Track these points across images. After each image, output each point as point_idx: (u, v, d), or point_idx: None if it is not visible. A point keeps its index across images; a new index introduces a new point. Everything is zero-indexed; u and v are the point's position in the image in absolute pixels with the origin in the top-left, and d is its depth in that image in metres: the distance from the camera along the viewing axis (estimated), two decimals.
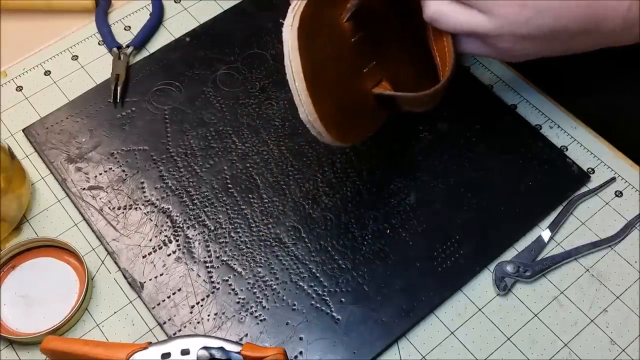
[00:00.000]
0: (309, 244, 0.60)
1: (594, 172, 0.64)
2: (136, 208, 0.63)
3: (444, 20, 0.55)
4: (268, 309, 0.57)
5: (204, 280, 0.59)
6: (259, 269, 0.59)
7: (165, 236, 0.61)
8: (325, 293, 0.58)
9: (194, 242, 0.61)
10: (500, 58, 0.60)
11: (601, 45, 0.56)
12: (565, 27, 0.53)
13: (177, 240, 0.61)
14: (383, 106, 0.58)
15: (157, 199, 0.63)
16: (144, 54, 0.73)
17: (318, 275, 0.59)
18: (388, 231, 0.61)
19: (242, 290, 0.58)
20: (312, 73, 0.51)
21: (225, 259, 0.60)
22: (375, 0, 0.58)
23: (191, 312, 0.57)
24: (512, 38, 0.54)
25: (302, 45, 0.51)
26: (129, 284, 0.59)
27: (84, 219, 0.63)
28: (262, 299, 0.58)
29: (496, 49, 0.56)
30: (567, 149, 0.65)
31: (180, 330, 0.57)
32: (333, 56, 0.55)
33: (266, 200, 0.63)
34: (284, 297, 0.58)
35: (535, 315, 0.57)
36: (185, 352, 0.52)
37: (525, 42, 0.54)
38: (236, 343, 0.53)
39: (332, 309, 0.57)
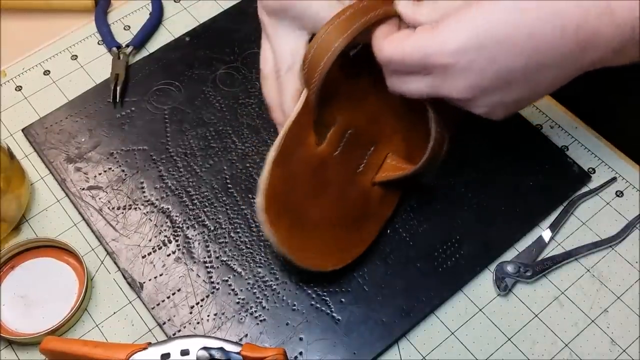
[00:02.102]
0: None
1: (594, 172, 0.64)
2: (136, 208, 0.63)
3: (408, 93, 0.51)
4: (268, 309, 0.57)
5: (203, 280, 0.59)
6: (259, 269, 0.59)
7: (165, 236, 0.61)
8: (325, 293, 0.58)
9: (193, 242, 0.61)
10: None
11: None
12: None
13: (176, 241, 0.61)
14: (394, 186, 0.59)
15: (157, 199, 0.63)
16: (144, 53, 0.73)
17: (318, 275, 0.59)
18: (388, 231, 0.61)
19: (241, 290, 0.58)
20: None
21: (225, 259, 0.60)
22: (341, 83, 0.54)
23: (191, 313, 0.57)
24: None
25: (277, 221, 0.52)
26: (129, 284, 0.59)
27: (84, 219, 0.62)
28: (262, 299, 0.58)
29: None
30: (567, 149, 0.65)
31: (179, 331, 0.56)
32: (313, 199, 0.55)
33: None
34: (284, 297, 0.58)
35: (536, 315, 0.57)
36: (184, 352, 0.52)
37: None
38: (236, 343, 0.52)
39: (332, 309, 0.57)
